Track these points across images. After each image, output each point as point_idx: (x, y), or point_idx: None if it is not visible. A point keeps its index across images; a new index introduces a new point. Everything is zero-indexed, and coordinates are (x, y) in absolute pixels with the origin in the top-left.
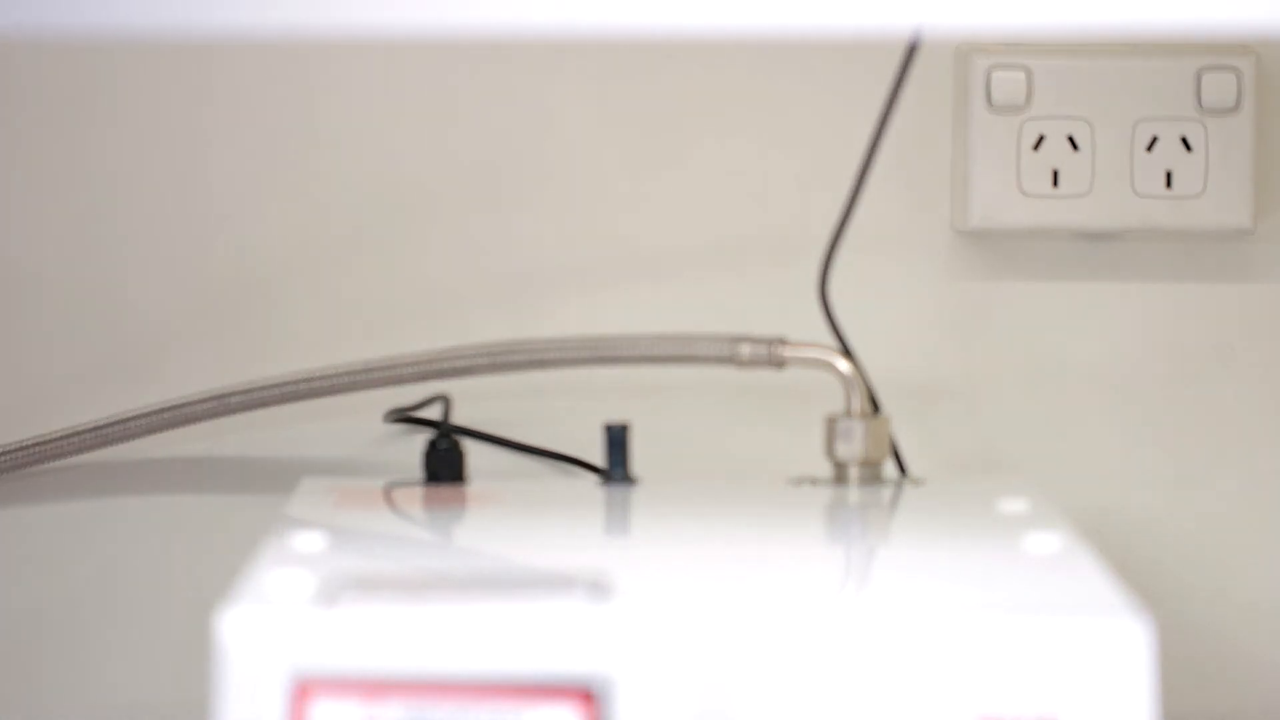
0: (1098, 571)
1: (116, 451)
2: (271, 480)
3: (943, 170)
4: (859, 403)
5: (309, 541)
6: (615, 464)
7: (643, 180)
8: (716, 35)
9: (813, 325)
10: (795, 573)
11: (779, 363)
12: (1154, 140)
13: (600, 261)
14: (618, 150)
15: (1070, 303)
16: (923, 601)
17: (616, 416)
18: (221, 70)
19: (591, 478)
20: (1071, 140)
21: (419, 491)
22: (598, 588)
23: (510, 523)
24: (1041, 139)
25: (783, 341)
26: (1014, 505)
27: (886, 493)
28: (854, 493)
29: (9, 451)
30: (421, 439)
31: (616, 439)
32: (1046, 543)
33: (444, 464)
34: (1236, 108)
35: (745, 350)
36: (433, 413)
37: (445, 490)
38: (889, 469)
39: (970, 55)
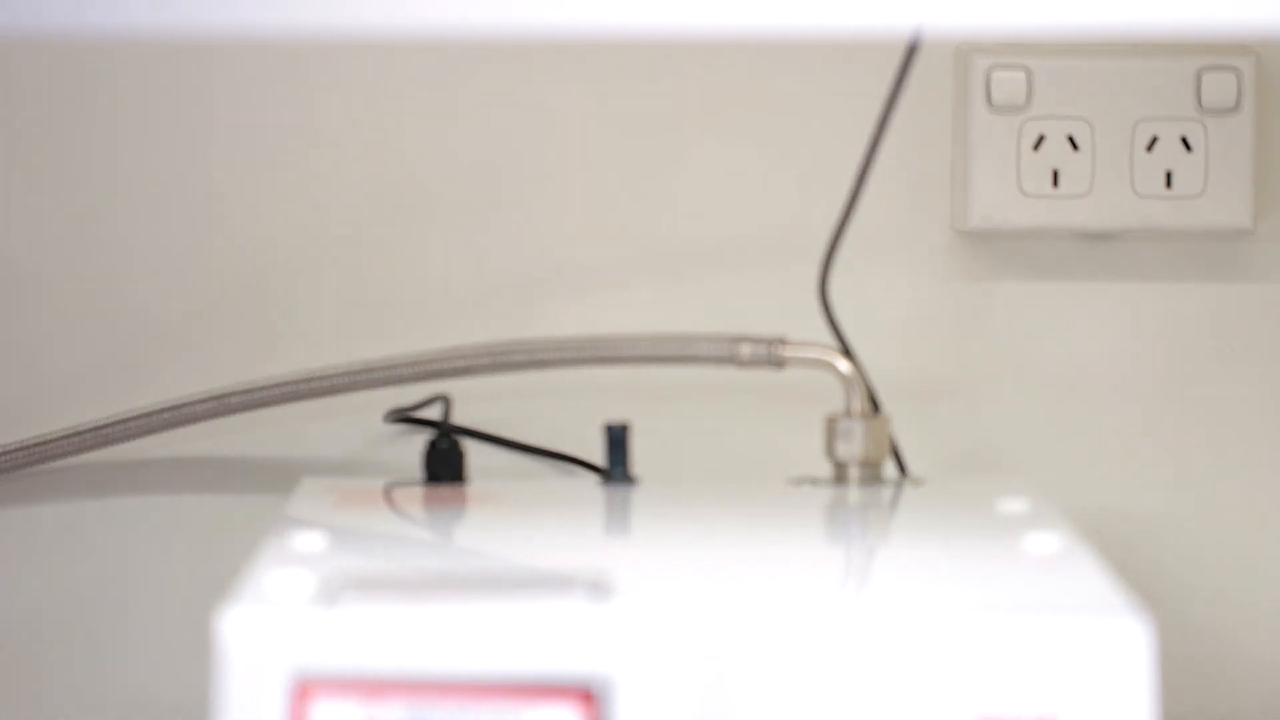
0: (1098, 571)
1: (116, 451)
2: (271, 480)
3: (943, 170)
4: (859, 403)
5: (309, 541)
6: (615, 464)
7: (643, 180)
8: (716, 35)
9: (813, 325)
10: (795, 573)
11: (779, 363)
12: (1154, 140)
13: (600, 261)
14: (618, 150)
15: (1070, 303)
16: (923, 602)
17: (616, 416)
18: (222, 70)
19: (591, 478)
20: (1071, 140)
21: (419, 491)
22: (598, 588)
23: (510, 523)
24: (1041, 139)
25: (783, 341)
26: (1014, 505)
27: (886, 493)
28: (854, 493)
29: (9, 451)
30: (421, 439)
31: (616, 439)
32: (1046, 543)
33: (444, 464)
34: (1236, 108)
35: (745, 350)
36: (433, 413)
37: (445, 490)
38: (889, 469)
39: (970, 55)
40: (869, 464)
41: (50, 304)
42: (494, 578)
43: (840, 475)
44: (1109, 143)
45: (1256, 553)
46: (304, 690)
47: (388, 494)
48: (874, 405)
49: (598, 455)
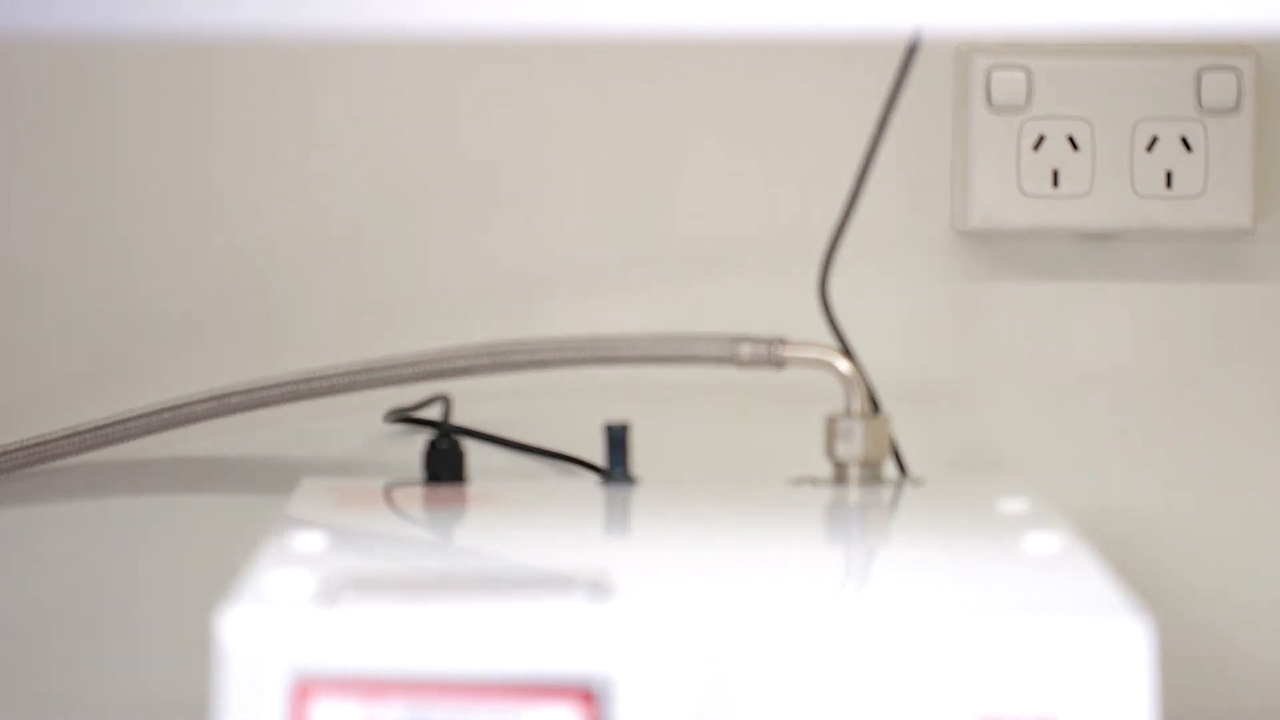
0: (1098, 571)
1: (116, 451)
2: (271, 480)
3: (943, 170)
4: (859, 403)
5: (309, 541)
6: (615, 464)
7: (643, 180)
8: (716, 35)
9: (813, 325)
10: (795, 573)
11: (779, 363)
12: (1154, 140)
13: (600, 261)
14: (618, 150)
15: (1070, 303)
16: (923, 602)
17: (616, 416)
18: (222, 70)
19: (591, 478)
20: (1071, 140)
21: (419, 491)
22: (598, 588)
23: (510, 523)
24: (1041, 139)
25: (783, 341)
26: (1014, 505)
27: (886, 493)
28: (854, 493)
29: (9, 451)
30: (421, 439)
31: (616, 439)
32: (1046, 543)
33: (444, 464)
34: (1236, 108)
35: (745, 350)
36: (433, 413)
37: (445, 490)
38: (889, 469)
39: (970, 55)
40: (869, 464)
41: (50, 304)
42: (494, 578)
43: (840, 475)
44: (1109, 143)
45: (1256, 553)
46: (304, 690)
47: (388, 494)
48: (874, 405)
49: (598, 455)
